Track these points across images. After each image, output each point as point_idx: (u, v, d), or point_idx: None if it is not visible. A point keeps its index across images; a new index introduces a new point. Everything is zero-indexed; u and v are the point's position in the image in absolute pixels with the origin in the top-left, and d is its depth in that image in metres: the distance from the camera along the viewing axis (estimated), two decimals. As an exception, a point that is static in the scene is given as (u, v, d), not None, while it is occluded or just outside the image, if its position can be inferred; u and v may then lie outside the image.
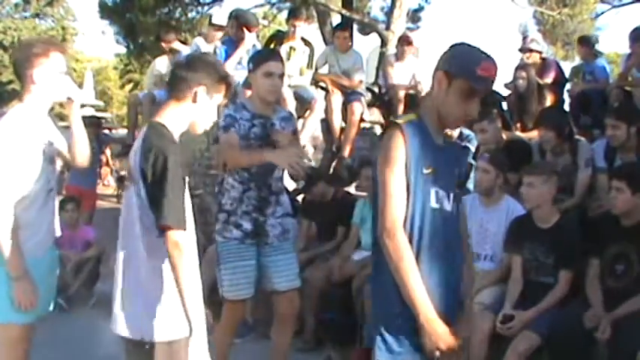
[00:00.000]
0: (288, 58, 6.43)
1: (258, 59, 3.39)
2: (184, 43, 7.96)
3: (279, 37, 6.62)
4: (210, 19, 7.58)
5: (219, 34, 6.90)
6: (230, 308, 3.39)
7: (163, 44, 7.84)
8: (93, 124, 8.23)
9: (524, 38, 6.97)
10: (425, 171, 2.12)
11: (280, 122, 3.42)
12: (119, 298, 2.35)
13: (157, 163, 2.16)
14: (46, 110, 2.90)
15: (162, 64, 7.72)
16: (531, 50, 6.34)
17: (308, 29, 7.32)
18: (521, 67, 6.04)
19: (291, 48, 6.40)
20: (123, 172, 13.35)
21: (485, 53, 2.14)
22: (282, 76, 3.38)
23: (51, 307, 2.99)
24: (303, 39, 6.50)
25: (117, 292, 2.37)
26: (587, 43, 6.69)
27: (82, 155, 3.05)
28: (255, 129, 3.30)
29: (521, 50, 6.45)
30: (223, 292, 3.36)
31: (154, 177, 2.17)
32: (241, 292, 3.29)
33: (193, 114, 2.36)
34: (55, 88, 2.84)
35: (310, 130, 6.39)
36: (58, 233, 3.06)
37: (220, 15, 7.91)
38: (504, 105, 6.26)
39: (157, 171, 2.16)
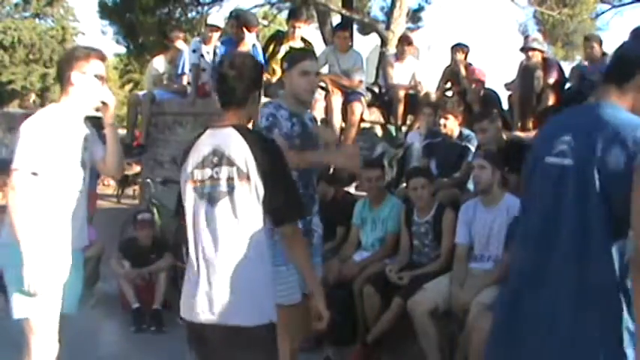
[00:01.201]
0: (288, 59, 6.43)
1: (293, 58, 3.37)
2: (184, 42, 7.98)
3: (279, 38, 6.62)
4: (206, 20, 7.61)
5: (216, 34, 6.91)
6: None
7: (166, 41, 7.85)
8: (94, 124, 8.22)
9: (526, 37, 6.97)
10: None
11: (310, 122, 3.41)
12: (239, 289, 2.40)
13: (283, 169, 2.48)
14: (82, 113, 3.02)
15: (159, 64, 7.73)
16: (533, 49, 6.34)
17: (308, 29, 7.32)
18: (534, 67, 6.01)
19: (291, 48, 6.40)
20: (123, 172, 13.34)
21: None
22: (317, 74, 3.39)
23: (75, 308, 3.09)
24: (302, 39, 6.51)
25: (229, 284, 2.40)
26: (596, 41, 6.65)
27: (116, 166, 3.14)
28: (296, 127, 3.26)
29: (523, 49, 6.45)
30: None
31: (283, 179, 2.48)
32: (296, 296, 3.14)
33: (253, 115, 2.65)
34: (91, 91, 2.97)
35: None
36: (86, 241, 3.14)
37: (216, 16, 7.94)
38: (504, 105, 6.26)
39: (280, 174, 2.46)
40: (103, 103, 3.04)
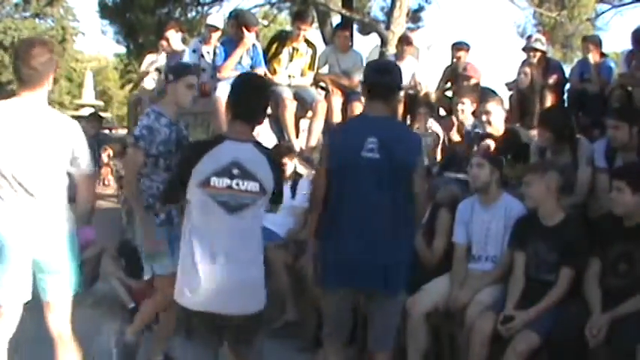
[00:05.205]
0: (291, 59, 6.44)
1: (179, 72, 3.82)
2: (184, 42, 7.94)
3: (281, 38, 6.62)
4: (205, 21, 7.55)
5: (216, 35, 6.90)
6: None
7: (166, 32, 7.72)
8: (94, 119, 8.20)
9: (529, 37, 6.96)
10: None
11: (185, 129, 3.86)
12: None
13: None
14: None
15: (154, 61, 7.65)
16: (535, 49, 6.33)
17: (312, 32, 7.32)
18: (525, 63, 6.01)
19: (293, 49, 6.40)
20: (123, 172, 13.33)
21: None
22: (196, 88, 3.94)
23: None
24: (306, 40, 6.51)
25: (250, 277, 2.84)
26: (594, 43, 6.65)
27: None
28: (173, 134, 3.70)
29: (524, 49, 6.45)
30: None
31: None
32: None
33: None
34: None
35: (317, 134, 6.33)
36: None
37: (216, 17, 7.88)
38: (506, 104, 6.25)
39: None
40: None
